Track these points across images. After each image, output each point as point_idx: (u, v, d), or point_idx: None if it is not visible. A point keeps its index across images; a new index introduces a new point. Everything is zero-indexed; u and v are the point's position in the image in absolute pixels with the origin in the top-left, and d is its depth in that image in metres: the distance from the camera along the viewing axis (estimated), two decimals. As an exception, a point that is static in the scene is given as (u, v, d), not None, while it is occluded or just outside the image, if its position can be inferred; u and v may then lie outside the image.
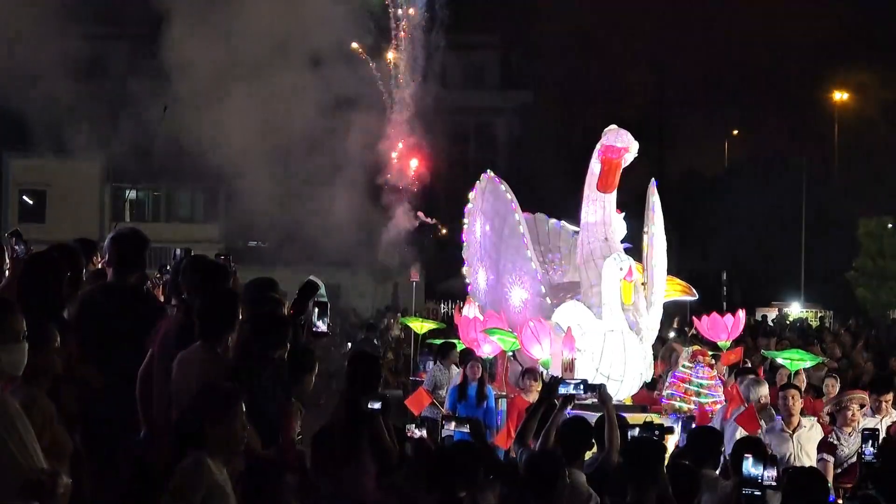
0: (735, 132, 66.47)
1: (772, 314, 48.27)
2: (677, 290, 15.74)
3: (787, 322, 45.03)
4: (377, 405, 8.03)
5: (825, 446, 11.12)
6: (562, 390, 9.11)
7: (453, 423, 9.36)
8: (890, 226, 53.97)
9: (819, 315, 52.18)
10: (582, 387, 9.17)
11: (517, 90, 61.01)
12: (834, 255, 54.95)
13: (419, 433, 8.67)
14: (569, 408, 9.13)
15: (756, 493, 6.99)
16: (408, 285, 45.61)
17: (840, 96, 61.53)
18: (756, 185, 57.17)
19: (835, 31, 60.52)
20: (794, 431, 11.22)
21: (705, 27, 62.37)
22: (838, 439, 11.19)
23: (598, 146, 13.73)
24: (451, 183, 34.88)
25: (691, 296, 16.36)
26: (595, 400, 9.81)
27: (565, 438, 8.42)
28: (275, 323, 7.86)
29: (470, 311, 21.86)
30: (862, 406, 11.52)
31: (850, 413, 11.29)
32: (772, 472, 7.65)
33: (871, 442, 8.81)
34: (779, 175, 58.26)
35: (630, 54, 60.55)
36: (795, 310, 52.52)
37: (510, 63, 62.61)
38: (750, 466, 7.10)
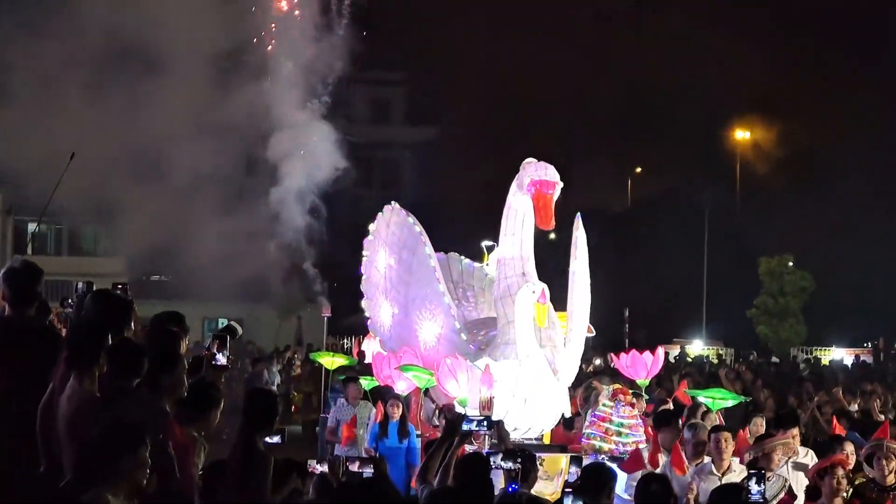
0: (638, 170, 67.08)
1: (674, 351, 48.62)
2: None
3: (690, 359, 45.37)
4: (275, 440, 8.02)
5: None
6: (464, 427, 9.00)
7: (357, 464, 9.19)
8: (791, 264, 54.71)
9: (719, 352, 52.71)
10: (485, 423, 9.10)
11: (423, 126, 61.08)
12: (735, 294, 55.56)
13: (320, 469, 8.45)
14: (486, 447, 8.92)
15: None
16: (313, 320, 45.32)
17: (743, 135, 62.41)
18: (659, 222, 57.67)
19: (740, 72, 61.43)
20: (723, 474, 11.04)
21: (610, 65, 62.95)
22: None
23: (522, 181, 13.39)
24: (354, 216, 34.58)
25: (588, 333, 16.22)
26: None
27: (463, 475, 8.23)
28: (130, 352, 7.67)
29: (370, 345, 21.63)
30: (786, 450, 11.29)
31: (776, 458, 11.03)
32: None
33: (755, 480, 8.52)
34: (681, 213, 58.84)
35: (535, 92, 60.82)
36: (697, 347, 52.96)
37: (416, 99, 62.64)
38: (569, 503, 7.28)
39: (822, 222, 55.79)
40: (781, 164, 61.59)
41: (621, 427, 12.63)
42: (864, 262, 55.39)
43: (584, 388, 15.83)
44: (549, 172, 13.30)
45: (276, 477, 7.80)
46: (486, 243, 16.43)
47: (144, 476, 6.37)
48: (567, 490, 7.59)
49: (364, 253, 15.75)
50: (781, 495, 10.52)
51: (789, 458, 11.67)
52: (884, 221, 54.37)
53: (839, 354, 50.69)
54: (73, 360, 7.39)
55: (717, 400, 14.52)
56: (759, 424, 13.91)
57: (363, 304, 15.96)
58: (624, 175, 66.66)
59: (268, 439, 7.92)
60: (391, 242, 15.07)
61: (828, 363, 45.72)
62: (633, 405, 13.02)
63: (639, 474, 10.75)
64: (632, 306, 54.91)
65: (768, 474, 10.55)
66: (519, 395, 13.01)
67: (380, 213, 15.45)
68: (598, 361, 33.57)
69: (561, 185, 13.30)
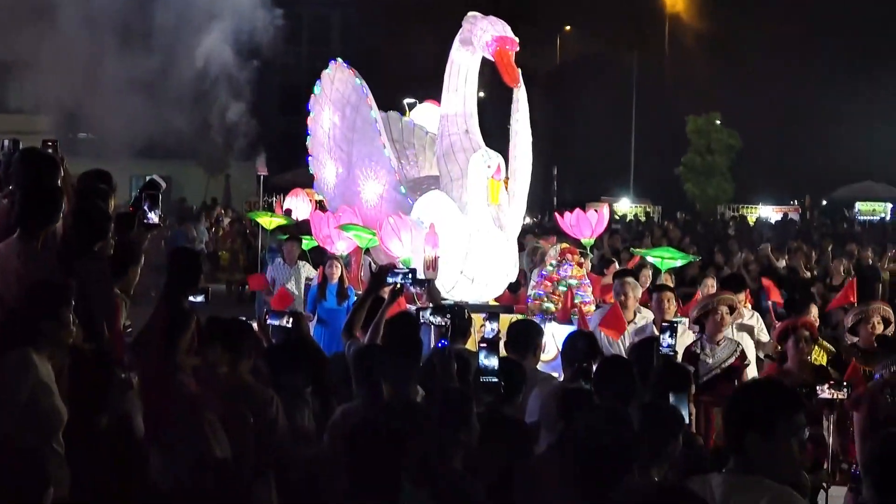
0: (567, 28, 66.54)
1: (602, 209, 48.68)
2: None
3: (617, 217, 45.64)
4: (199, 299, 8.08)
5: (686, 356, 10.32)
6: (389, 280, 8.98)
7: (284, 318, 9.15)
8: (718, 122, 54.90)
9: (647, 210, 53.07)
10: (410, 276, 9.04)
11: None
12: (663, 152, 55.77)
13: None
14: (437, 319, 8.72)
15: (492, 380, 7.13)
16: (242, 178, 44.89)
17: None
18: (587, 81, 57.45)
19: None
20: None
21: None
22: (703, 349, 10.35)
23: (471, 37, 12.87)
24: (286, 76, 34.13)
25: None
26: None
27: (393, 333, 8.16)
28: (96, 216, 7.61)
29: (293, 203, 21.35)
30: (732, 309, 10.77)
31: (718, 317, 10.40)
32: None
33: (668, 333, 8.55)
34: (610, 72, 58.62)
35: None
36: (625, 205, 53.25)
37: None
38: (483, 358, 7.24)
39: (749, 80, 55.91)
40: (709, 24, 61.36)
41: (569, 287, 12.42)
42: (792, 120, 55.72)
43: (529, 248, 15.62)
44: (506, 28, 12.93)
45: (204, 335, 7.67)
46: (407, 101, 16.11)
47: (69, 336, 6.39)
48: (482, 345, 7.53)
49: (310, 111, 15.30)
50: (731, 360, 10.27)
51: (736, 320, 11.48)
52: (811, 79, 54.62)
53: (766, 212, 51.24)
54: (27, 221, 7.26)
55: (666, 259, 14.22)
56: (710, 286, 13.64)
57: (309, 162, 15.54)
58: (553, 34, 66.01)
59: (192, 298, 7.93)
60: (335, 100, 14.66)
61: (754, 221, 46.23)
62: (580, 264, 12.79)
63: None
64: (560, 165, 54.99)
65: (718, 337, 10.39)
66: (467, 273, 12.74)
67: (325, 71, 14.97)
68: (526, 220, 33.60)
69: (517, 40, 12.96)
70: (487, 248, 12.83)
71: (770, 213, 51.10)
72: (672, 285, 13.26)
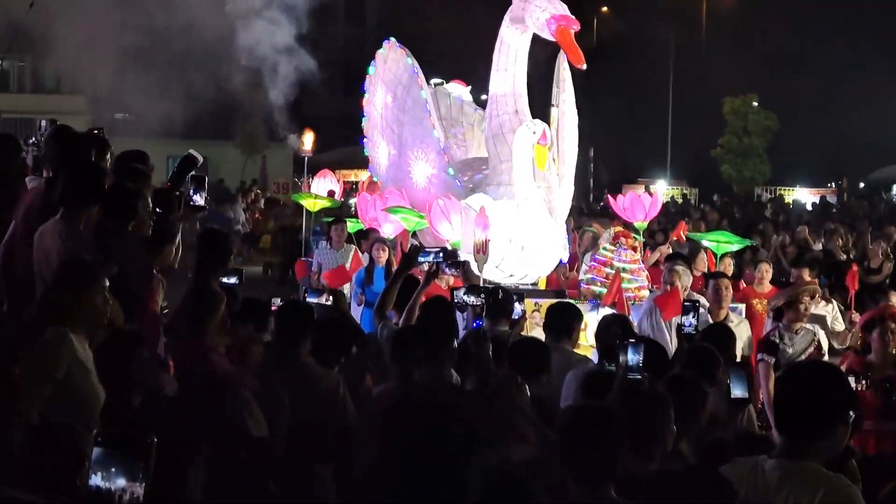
0: (604, 9, 66.16)
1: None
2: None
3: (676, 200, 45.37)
4: (233, 280, 8.09)
5: (766, 345, 10.27)
6: (421, 259, 8.85)
7: (323, 296, 9.09)
8: (755, 104, 54.53)
9: (683, 192, 52.80)
10: (442, 255, 8.89)
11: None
12: (700, 133, 55.44)
13: (285, 307, 8.33)
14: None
15: (637, 377, 6.83)
16: (280, 158, 44.89)
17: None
18: (624, 63, 57.12)
19: None
20: None
21: None
22: (781, 338, 10.20)
23: (526, 16, 12.40)
24: (322, 55, 33.92)
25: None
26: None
27: (428, 315, 8.09)
28: (125, 195, 7.58)
29: (321, 185, 21.14)
30: (812, 297, 10.65)
31: (802, 307, 10.27)
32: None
33: (691, 313, 8.31)
34: (647, 53, 58.27)
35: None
36: (662, 187, 52.95)
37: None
38: (631, 353, 6.89)
39: (786, 62, 55.53)
40: (746, 4, 60.87)
41: (623, 272, 12.08)
42: (829, 101, 55.25)
43: (581, 231, 15.32)
44: (564, 7, 12.46)
45: (236, 316, 7.59)
46: (434, 80, 15.85)
47: (104, 315, 6.30)
48: (631, 340, 7.34)
49: (365, 92, 15.11)
50: (810, 350, 10.15)
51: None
52: (849, 60, 54.16)
53: (803, 194, 50.86)
54: (70, 201, 7.29)
55: (723, 244, 13.93)
56: (766, 271, 13.29)
57: (364, 145, 15.34)
58: (590, 14, 65.64)
59: (224, 279, 7.88)
60: (388, 80, 14.44)
61: (790, 203, 45.86)
62: (635, 249, 12.48)
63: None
64: (596, 146, 54.74)
65: (797, 326, 10.24)
66: (516, 241, 12.43)
67: (379, 51, 14.79)
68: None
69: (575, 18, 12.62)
70: (535, 218, 12.56)
71: (807, 195, 50.76)
72: (731, 271, 12.97)
